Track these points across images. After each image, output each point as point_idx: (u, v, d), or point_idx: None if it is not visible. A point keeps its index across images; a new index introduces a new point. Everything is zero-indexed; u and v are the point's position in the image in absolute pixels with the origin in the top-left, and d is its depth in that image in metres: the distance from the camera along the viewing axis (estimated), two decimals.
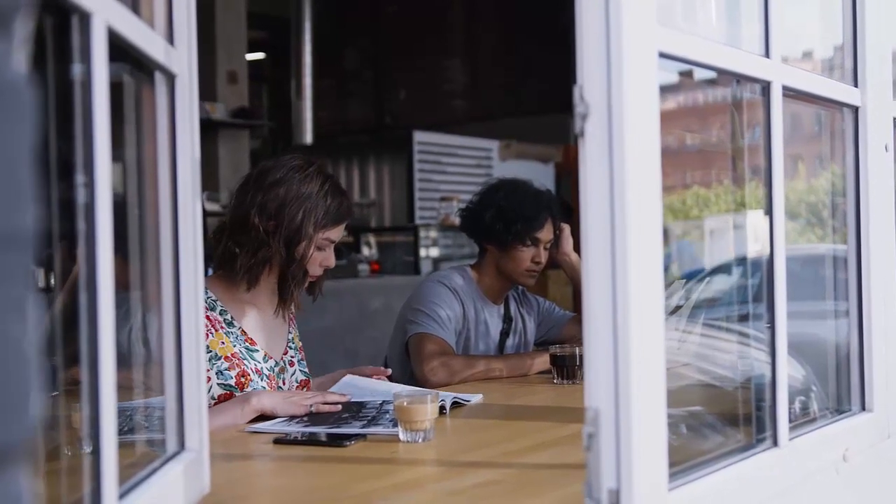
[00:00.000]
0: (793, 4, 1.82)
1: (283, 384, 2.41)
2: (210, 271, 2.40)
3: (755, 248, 1.66)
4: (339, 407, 2.18)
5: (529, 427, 2.14)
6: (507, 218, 2.98)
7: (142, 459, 1.35)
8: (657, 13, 1.23)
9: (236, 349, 2.31)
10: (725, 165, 1.88)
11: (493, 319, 3.10)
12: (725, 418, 1.71)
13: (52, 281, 1.22)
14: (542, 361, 2.84)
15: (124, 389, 1.35)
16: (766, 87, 1.55)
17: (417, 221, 8.00)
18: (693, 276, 2.15)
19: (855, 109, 1.86)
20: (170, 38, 1.37)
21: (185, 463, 1.36)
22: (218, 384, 2.26)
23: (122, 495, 1.11)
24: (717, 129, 1.93)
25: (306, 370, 2.51)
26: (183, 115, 1.39)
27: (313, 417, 2.12)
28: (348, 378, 2.47)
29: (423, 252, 7.52)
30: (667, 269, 1.27)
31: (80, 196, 1.03)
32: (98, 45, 1.03)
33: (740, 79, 1.60)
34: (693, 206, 1.93)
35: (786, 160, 1.58)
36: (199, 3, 1.47)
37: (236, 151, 7.85)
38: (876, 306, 1.86)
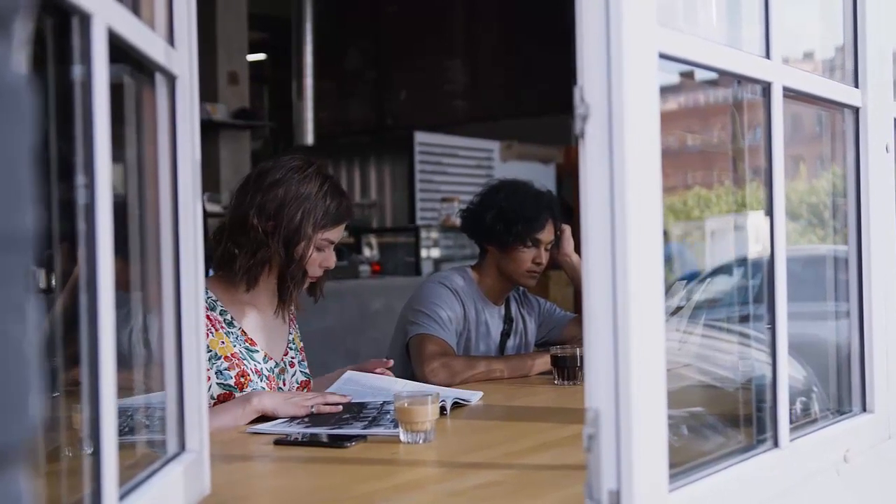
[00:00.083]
0: (793, 5, 1.82)
1: (284, 385, 2.41)
2: (211, 272, 2.40)
3: (756, 248, 1.66)
4: (340, 408, 2.18)
5: (530, 428, 2.13)
6: (507, 219, 2.98)
7: (142, 460, 1.35)
8: (657, 14, 1.23)
9: (236, 349, 2.31)
10: (726, 166, 1.88)
11: (493, 320, 3.10)
12: (726, 419, 1.71)
13: (53, 282, 1.22)
14: (543, 362, 2.84)
15: (125, 390, 1.36)
16: (766, 88, 1.55)
17: (418, 222, 8.00)
18: (687, 279, 2.15)
19: (855, 110, 1.86)
20: (170, 40, 1.37)
21: (185, 464, 1.36)
22: (217, 384, 2.26)
23: (122, 496, 1.11)
24: (718, 129, 1.93)
25: (307, 371, 2.51)
26: (183, 116, 1.39)
27: (314, 418, 2.12)
28: (348, 374, 2.47)
29: (424, 253, 7.52)
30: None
31: (81, 197, 1.03)
32: (98, 47, 1.03)
33: (741, 80, 1.60)
34: (694, 207, 1.93)
35: (787, 161, 1.58)
36: (199, 4, 1.47)
37: (237, 152, 7.85)
38: (876, 307, 1.86)
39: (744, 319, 1.82)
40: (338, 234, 2.38)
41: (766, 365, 1.57)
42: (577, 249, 3.09)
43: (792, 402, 1.62)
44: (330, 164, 2.51)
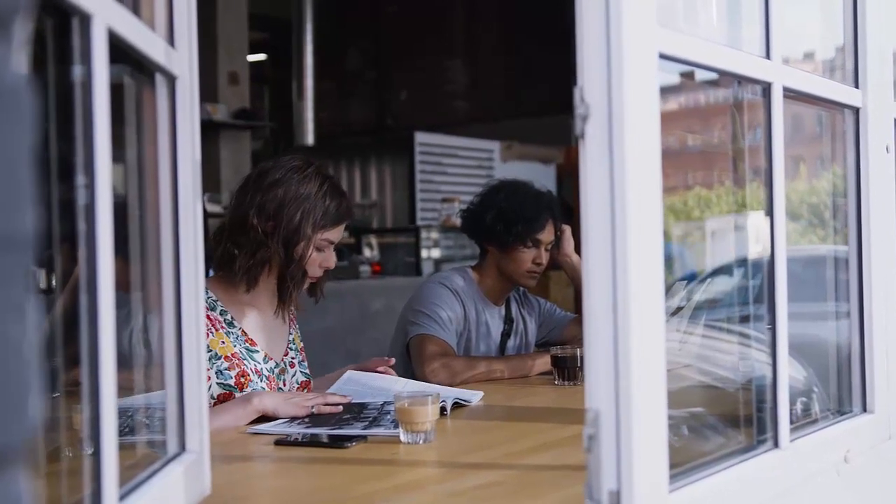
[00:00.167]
0: (793, 5, 1.82)
1: (284, 385, 2.41)
2: (211, 272, 2.40)
3: (756, 249, 1.66)
4: (341, 408, 2.18)
5: (530, 428, 2.13)
6: (507, 219, 2.98)
7: (142, 461, 1.35)
8: (658, 14, 1.23)
9: (236, 349, 2.31)
10: (727, 166, 1.88)
11: (494, 321, 3.10)
12: (726, 419, 1.71)
13: (54, 282, 1.22)
14: (543, 362, 2.84)
15: (125, 391, 1.36)
16: (766, 89, 1.55)
17: (419, 222, 8.01)
18: (687, 280, 2.15)
19: (856, 111, 1.86)
20: (170, 40, 1.37)
21: (185, 464, 1.36)
22: (217, 384, 2.26)
23: (122, 497, 1.11)
24: (718, 130, 1.93)
25: (307, 371, 2.51)
26: (184, 116, 1.39)
27: (314, 419, 2.11)
28: (349, 374, 2.47)
29: (424, 253, 7.52)
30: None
31: (81, 197, 1.03)
32: (98, 47, 1.03)
33: (741, 80, 1.60)
34: (695, 208, 1.93)
35: (787, 161, 1.58)
36: (200, 4, 1.47)
37: (238, 152, 7.85)
38: (877, 307, 1.86)
39: (744, 320, 1.82)
40: (337, 234, 2.38)
41: (767, 365, 1.57)
42: (578, 250, 3.09)
43: (792, 403, 1.62)
44: (330, 165, 2.51)
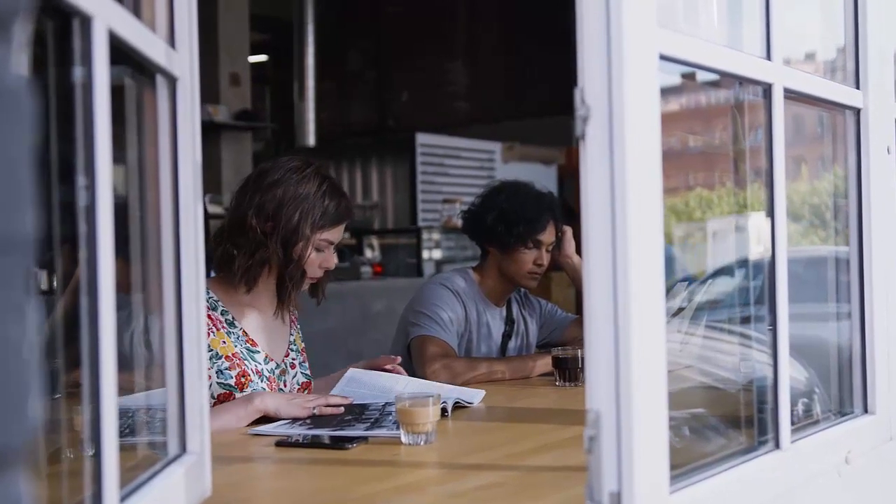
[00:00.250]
0: (794, 6, 1.82)
1: (285, 386, 2.41)
2: (212, 273, 2.40)
3: (758, 249, 1.66)
4: (342, 409, 2.18)
5: (531, 429, 2.13)
6: (508, 220, 2.98)
7: (143, 462, 1.35)
8: (658, 15, 1.23)
9: (237, 349, 2.31)
10: (728, 167, 1.88)
11: (495, 322, 3.10)
12: (727, 420, 1.71)
13: (55, 283, 1.22)
14: (545, 363, 2.84)
15: (126, 392, 1.36)
16: (767, 90, 1.55)
17: (420, 223, 8.01)
18: (688, 281, 2.15)
19: (857, 111, 1.86)
20: (171, 41, 1.37)
21: (186, 466, 1.36)
22: (218, 383, 2.26)
23: (123, 498, 1.11)
24: (719, 130, 1.93)
25: (308, 372, 2.51)
26: (184, 117, 1.39)
27: (316, 420, 2.11)
28: (351, 373, 2.47)
29: (425, 254, 7.53)
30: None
31: (82, 199, 1.03)
32: (99, 49, 1.03)
33: (742, 81, 1.60)
34: (696, 208, 1.93)
35: (788, 162, 1.58)
36: (201, 5, 1.47)
37: (239, 153, 7.85)
38: (878, 308, 1.86)
39: (745, 321, 1.82)
40: (337, 234, 2.38)
41: (768, 366, 1.57)
42: (579, 251, 3.08)
43: (793, 404, 1.62)
44: (331, 166, 2.52)
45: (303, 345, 2.55)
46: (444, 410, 2.15)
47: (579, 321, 3.20)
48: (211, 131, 7.33)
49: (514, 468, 1.73)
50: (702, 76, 1.55)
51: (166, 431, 1.40)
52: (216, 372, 2.25)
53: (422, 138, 8.36)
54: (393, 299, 5.93)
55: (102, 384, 1.02)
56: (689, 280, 2.15)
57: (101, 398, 1.02)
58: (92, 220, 1.02)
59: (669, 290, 1.26)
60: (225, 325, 2.32)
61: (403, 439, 1.88)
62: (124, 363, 1.16)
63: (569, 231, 3.13)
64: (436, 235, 7.67)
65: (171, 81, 1.37)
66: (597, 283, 1.17)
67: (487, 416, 2.31)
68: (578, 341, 2.95)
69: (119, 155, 1.14)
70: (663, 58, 1.25)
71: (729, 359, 1.96)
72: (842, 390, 1.90)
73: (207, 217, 5.85)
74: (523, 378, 2.84)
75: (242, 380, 2.28)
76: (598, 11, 1.16)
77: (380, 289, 6.58)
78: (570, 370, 2.68)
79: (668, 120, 1.27)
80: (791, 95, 1.60)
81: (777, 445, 1.54)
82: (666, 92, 1.28)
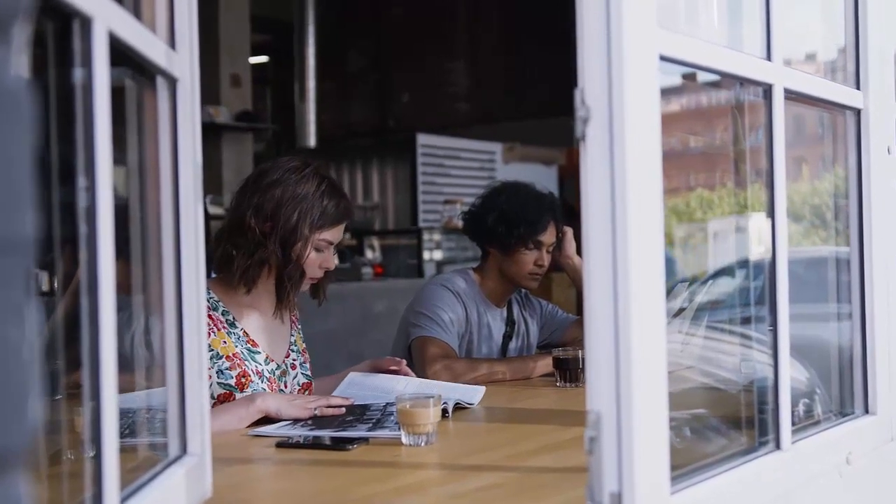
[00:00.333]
0: (795, 7, 1.82)
1: (285, 387, 2.41)
2: (213, 274, 2.40)
3: (758, 250, 1.66)
4: (343, 410, 2.18)
5: (532, 430, 2.13)
6: (509, 221, 2.98)
7: (144, 463, 1.35)
8: (658, 16, 1.23)
9: (238, 349, 2.31)
10: (729, 168, 1.88)
11: (495, 322, 3.10)
12: (728, 421, 1.71)
13: (55, 284, 1.22)
14: (545, 364, 2.84)
15: (127, 393, 1.36)
16: (767, 90, 1.55)
17: (421, 224, 8.01)
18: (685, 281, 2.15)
19: (857, 112, 1.86)
20: (171, 43, 1.37)
21: (187, 467, 1.36)
22: (218, 383, 2.26)
23: (124, 499, 1.11)
24: (720, 131, 1.93)
25: (309, 373, 2.51)
26: (185, 118, 1.39)
27: (317, 421, 2.11)
28: (351, 376, 2.47)
29: (426, 255, 7.53)
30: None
31: (82, 200, 1.03)
32: (99, 50, 1.03)
33: (742, 82, 1.60)
34: (697, 209, 1.93)
35: (789, 162, 1.58)
36: (202, 6, 1.47)
37: (240, 154, 7.85)
38: (879, 309, 1.86)
39: (746, 321, 1.82)
40: (336, 234, 2.38)
41: (769, 367, 1.57)
42: (580, 251, 3.08)
43: (794, 404, 1.62)
44: (332, 167, 2.52)
45: (304, 345, 2.55)
46: (444, 411, 2.15)
47: (580, 322, 3.19)
48: (212, 132, 7.33)
49: (514, 469, 1.73)
50: (702, 77, 1.55)
51: (167, 432, 1.40)
52: (217, 372, 2.25)
53: (422, 139, 8.36)
54: (394, 300, 5.93)
55: (103, 385, 1.02)
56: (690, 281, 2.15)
57: (101, 399, 1.02)
58: (92, 221, 1.02)
59: (670, 291, 1.26)
60: (226, 325, 2.32)
61: (404, 440, 1.88)
62: (125, 364, 1.16)
63: (569, 232, 3.13)
64: (436, 236, 7.68)
65: (172, 82, 1.37)
66: (597, 284, 1.17)
67: (488, 417, 2.31)
68: (579, 342, 2.94)
69: (119, 156, 1.14)
70: (663, 58, 1.25)
71: (730, 359, 1.96)
72: (842, 391, 1.90)
73: (208, 218, 5.85)
74: (524, 379, 2.84)
75: (243, 380, 2.28)
76: (598, 12, 1.16)
77: (380, 290, 6.59)
78: (570, 371, 2.68)
79: (668, 120, 1.27)
80: (791, 96, 1.60)
81: (778, 446, 1.54)
82: (666, 92, 1.28)
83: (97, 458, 1.02)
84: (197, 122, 1.42)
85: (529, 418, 2.33)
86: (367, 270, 6.99)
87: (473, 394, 2.39)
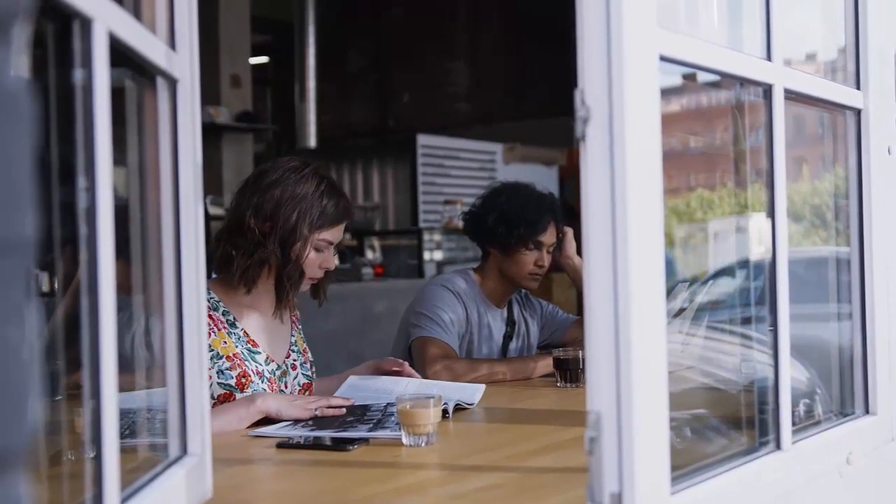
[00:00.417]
0: (795, 7, 1.82)
1: (286, 388, 2.41)
2: (214, 275, 2.40)
3: (759, 250, 1.66)
4: (344, 411, 2.18)
5: (532, 430, 2.13)
6: (509, 221, 2.98)
7: (144, 464, 1.35)
8: (658, 16, 1.23)
9: (238, 350, 2.31)
10: (729, 168, 1.88)
11: (496, 323, 3.10)
12: (728, 421, 1.71)
13: (56, 285, 1.22)
14: (546, 365, 2.84)
15: (126, 392, 1.36)
16: (767, 91, 1.55)
17: (421, 225, 8.01)
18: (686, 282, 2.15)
19: (857, 112, 1.86)
20: (171, 43, 1.37)
21: (187, 467, 1.36)
22: (219, 383, 2.26)
23: (124, 500, 1.11)
24: (721, 131, 1.93)
25: (310, 374, 2.51)
26: (185, 119, 1.39)
27: (318, 421, 2.11)
28: (350, 380, 2.47)
29: (426, 255, 7.53)
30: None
31: (82, 200, 1.03)
32: (99, 51, 1.03)
33: (742, 82, 1.60)
34: (697, 209, 1.93)
35: (789, 162, 1.58)
36: (202, 7, 1.47)
37: (240, 155, 7.86)
38: (879, 309, 1.86)
39: (746, 321, 1.82)
40: (336, 234, 2.37)
41: (769, 367, 1.57)
42: (580, 252, 3.08)
43: (795, 404, 1.62)
44: (333, 167, 2.53)
45: (304, 346, 2.55)
46: (444, 412, 2.15)
47: (580, 322, 3.20)
48: (212, 133, 7.34)
49: (515, 469, 1.73)
50: (702, 77, 1.55)
51: (167, 433, 1.40)
52: (217, 372, 2.25)
53: (423, 139, 8.36)
54: (394, 300, 5.93)
55: (103, 386, 1.02)
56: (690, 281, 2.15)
57: (101, 400, 1.02)
58: (92, 221, 1.02)
59: (670, 291, 1.26)
60: (226, 325, 2.32)
61: (404, 440, 1.88)
62: (125, 365, 1.16)
63: (570, 232, 3.13)
64: (437, 236, 7.68)
65: (172, 83, 1.37)
66: (597, 284, 1.17)
67: (488, 418, 2.31)
68: (579, 342, 2.94)
69: (120, 157, 1.14)
70: (663, 59, 1.25)
71: (730, 359, 1.96)
72: (843, 391, 1.90)
73: (208, 219, 5.85)
74: (524, 379, 2.84)
75: (243, 380, 2.28)
76: (598, 12, 1.16)
77: (381, 290, 6.59)
78: (571, 371, 2.68)
79: (669, 120, 1.27)
80: (791, 96, 1.60)
81: (778, 446, 1.53)
82: (667, 92, 1.28)
83: (97, 459, 1.02)
84: (197, 122, 1.42)
85: (530, 419, 2.34)
86: (367, 271, 6.99)
87: (473, 393, 2.39)
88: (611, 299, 1.16)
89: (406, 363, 2.55)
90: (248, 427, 2.10)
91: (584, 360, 2.57)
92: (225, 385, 2.26)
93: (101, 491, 1.02)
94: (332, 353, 4.87)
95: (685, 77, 1.49)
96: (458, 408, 2.29)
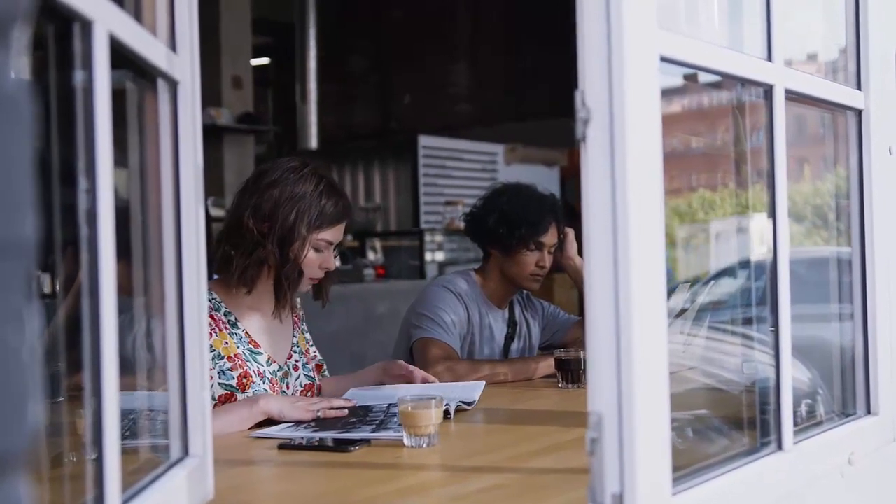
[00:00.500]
0: (796, 7, 1.82)
1: (287, 389, 2.41)
2: (215, 276, 2.40)
3: (760, 250, 1.66)
4: (346, 412, 2.18)
5: (534, 431, 2.13)
6: (510, 222, 2.98)
7: (145, 465, 1.35)
8: (659, 16, 1.23)
9: (239, 350, 2.31)
10: (730, 168, 1.88)
11: (497, 324, 3.10)
12: (730, 422, 1.71)
13: (57, 287, 1.23)
14: (547, 365, 2.84)
15: (127, 392, 1.36)
16: (768, 91, 1.55)
17: (423, 226, 8.01)
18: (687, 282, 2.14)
19: (858, 112, 1.86)
20: (172, 45, 1.37)
21: (188, 469, 1.36)
22: (220, 384, 2.26)
23: (125, 501, 1.11)
24: (722, 132, 1.93)
25: (311, 374, 2.51)
26: (185, 121, 1.39)
27: (320, 422, 2.11)
28: (351, 392, 2.47)
29: (428, 256, 7.53)
30: None
31: (83, 202, 1.03)
32: (100, 53, 1.03)
33: (743, 82, 1.60)
34: (699, 210, 1.92)
35: (791, 162, 1.58)
36: (203, 8, 1.47)
37: (242, 156, 7.86)
38: (880, 309, 1.86)
39: (748, 322, 1.82)
40: (335, 234, 2.37)
41: (770, 367, 1.57)
42: (581, 252, 3.08)
43: (797, 405, 1.62)
44: (334, 168, 2.53)
45: (307, 346, 2.54)
46: (446, 413, 2.15)
47: (582, 323, 3.19)
48: (213, 134, 7.34)
49: (516, 470, 1.73)
50: (703, 77, 1.55)
51: (168, 434, 1.40)
52: (218, 372, 2.25)
53: (424, 140, 8.36)
54: (396, 301, 5.93)
55: (104, 387, 1.02)
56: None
57: (102, 401, 1.02)
58: (93, 223, 1.02)
59: (670, 293, 1.26)
60: (227, 325, 2.32)
61: (406, 442, 1.88)
62: (126, 366, 1.16)
63: (571, 233, 3.13)
64: (438, 237, 7.68)
65: (173, 85, 1.37)
66: (598, 285, 1.17)
67: (490, 419, 2.31)
68: (581, 343, 2.94)
69: (120, 158, 1.14)
70: (664, 59, 1.25)
71: (731, 360, 1.95)
72: (845, 391, 1.90)
73: (210, 220, 5.84)
74: (526, 380, 2.84)
75: (244, 381, 2.28)
76: (598, 13, 1.16)
77: (383, 291, 6.59)
78: (572, 372, 2.68)
79: (670, 121, 1.27)
80: (792, 96, 1.60)
81: (780, 447, 1.53)
82: (668, 93, 1.28)
83: (98, 461, 1.03)
84: (198, 124, 1.42)
85: (531, 419, 2.33)
86: (369, 272, 7.00)
87: (473, 390, 2.39)
88: (612, 300, 1.16)
89: (415, 368, 2.54)
90: (250, 428, 2.10)
91: (585, 360, 2.57)
92: (226, 385, 2.26)
93: (102, 492, 1.02)
94: (334, 354, 4.86)
95: (686, 77, 1.49)
96: (459, 408, 2.29)
